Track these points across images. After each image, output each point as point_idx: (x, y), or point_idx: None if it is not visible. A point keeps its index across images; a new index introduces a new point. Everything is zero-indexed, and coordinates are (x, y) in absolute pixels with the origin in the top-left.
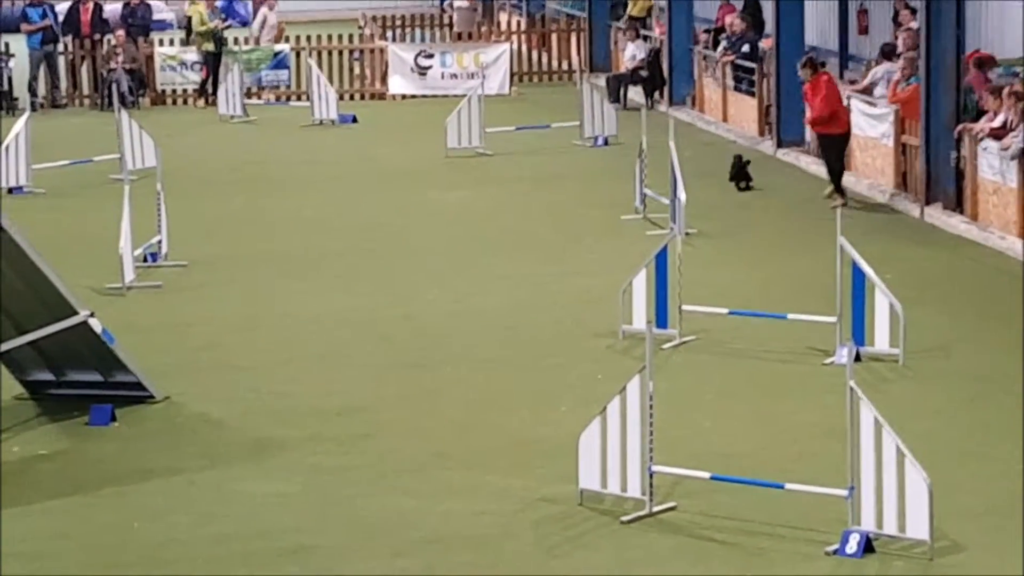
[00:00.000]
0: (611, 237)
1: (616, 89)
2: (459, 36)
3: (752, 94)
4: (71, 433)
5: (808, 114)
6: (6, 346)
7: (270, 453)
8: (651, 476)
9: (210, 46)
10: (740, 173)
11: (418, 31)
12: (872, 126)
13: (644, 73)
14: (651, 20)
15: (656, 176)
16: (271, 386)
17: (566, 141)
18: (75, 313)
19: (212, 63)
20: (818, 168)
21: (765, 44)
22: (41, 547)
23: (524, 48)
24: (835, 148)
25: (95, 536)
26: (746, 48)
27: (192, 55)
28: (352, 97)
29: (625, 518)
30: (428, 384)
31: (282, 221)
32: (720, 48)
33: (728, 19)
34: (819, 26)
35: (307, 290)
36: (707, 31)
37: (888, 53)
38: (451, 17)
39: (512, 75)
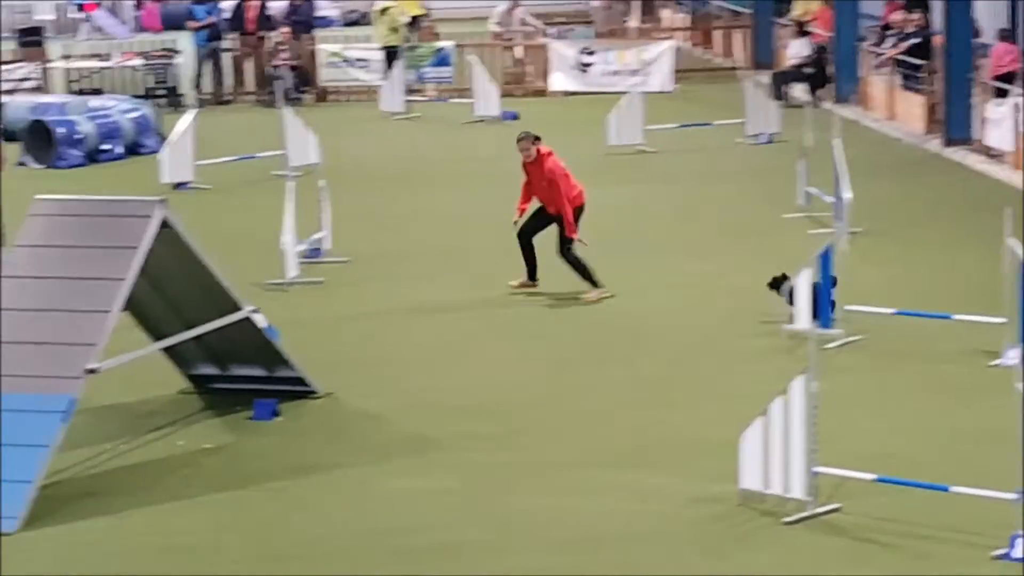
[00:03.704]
0: (774, 235)
1: (780, 86)
2: (600, 35)
3: (919, 91)
4: (234, 427)
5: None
6: (172, 341)
7: (427, 449)
8: (814, 477)
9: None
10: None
11: (581, 28)
12: None
13: (809, 70)
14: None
15: (820, 174)
16: (430, 381)
17: (729, 139)
18: (239, 309)
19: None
20: (985, 166)
21: (934, 41)
22: (202, 539)
23: (687, 45)
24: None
25: (255, 529)
26: (913, 44)
27: (356, 51)
28: (513, 94)
29: (787, 519)
30: (585, 381)
31: (444, 217)
32: (886, 45)
33: (895, 15)
34: (989, 21)
35: (467, 285)
36: (872, 28)
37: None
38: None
39: (675, 72)
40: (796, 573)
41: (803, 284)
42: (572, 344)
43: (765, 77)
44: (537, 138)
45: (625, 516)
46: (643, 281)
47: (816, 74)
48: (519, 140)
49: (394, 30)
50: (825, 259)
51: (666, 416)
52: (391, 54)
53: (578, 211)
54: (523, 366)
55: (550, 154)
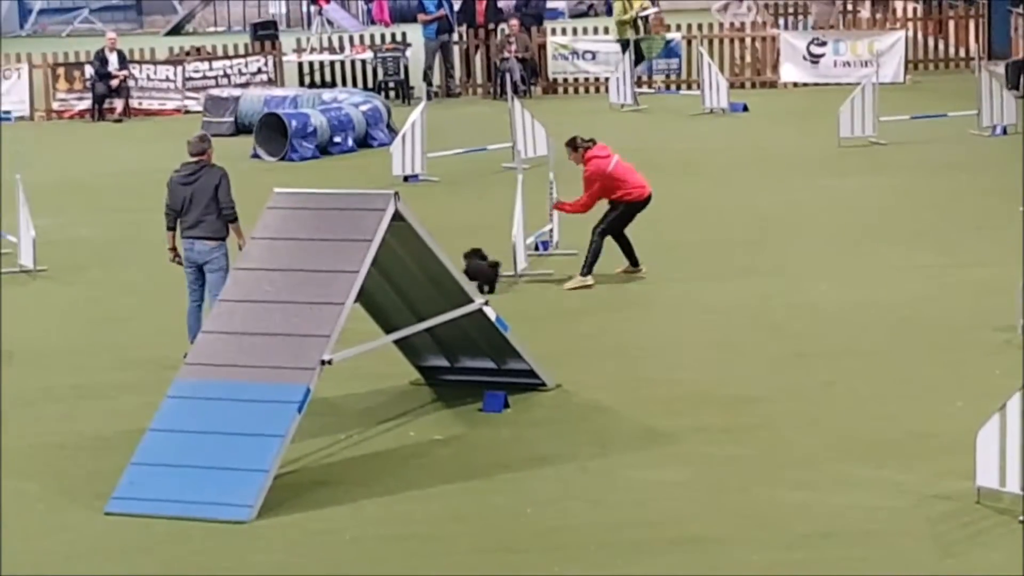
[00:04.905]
0: (1009, 228)
1: (1016, 76)
2: (814, 27)
3: None
4: (465, 419)
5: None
6: (404, 333)
7: (660, 441)
8: None
9: (629, 34)
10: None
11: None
12: None
13: None
14: None
15: None
16: (661, 374)
17: (962, 130)
18: (470, 301)
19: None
20: None
21: None
22: (436, 529)
23: (919, 35)
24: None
25: (489, 519)
26: None
27: (584, 44)
28: (743, 85)
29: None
30: (820, 375)
31: (671, 210)
32: None
33: None
34: None
35: (696, 278)
36: None
37: None
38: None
39: (907, 63)
40: None
41: None
42: (806, 337)
43: (1000, 67)
44: (586, 143)
45: (860, 512)
46: (877, 274)
47: None
48: (565, 146)
49: (624, 23)
50: None
51: (902, 411)
52: (625, 47)
53: (635, 205)
54: (756, 359)
55: (592, 158)
